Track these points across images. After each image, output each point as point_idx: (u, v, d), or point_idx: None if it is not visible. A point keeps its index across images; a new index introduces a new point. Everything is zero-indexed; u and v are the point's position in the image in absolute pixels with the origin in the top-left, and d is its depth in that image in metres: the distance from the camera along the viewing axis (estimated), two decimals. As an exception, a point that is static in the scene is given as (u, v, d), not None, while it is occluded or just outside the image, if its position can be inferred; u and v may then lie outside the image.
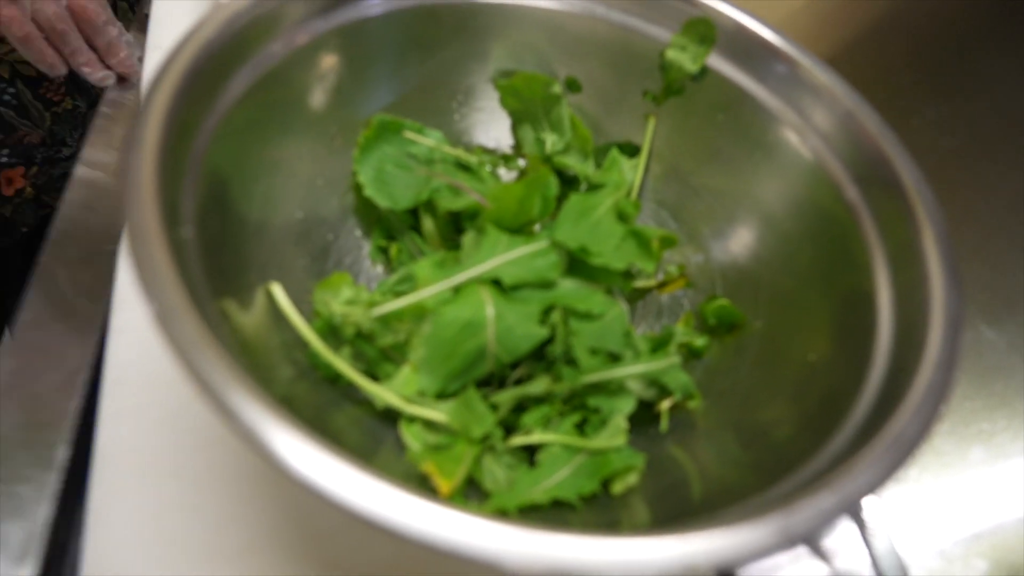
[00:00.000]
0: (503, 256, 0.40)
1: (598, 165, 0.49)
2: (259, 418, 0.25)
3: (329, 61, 0.41)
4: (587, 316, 0.40)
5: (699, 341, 0.44)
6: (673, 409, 0.43)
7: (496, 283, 0.40)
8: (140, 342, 0.45)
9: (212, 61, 0.33)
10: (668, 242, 0.44)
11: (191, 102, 0.32)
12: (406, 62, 0.45)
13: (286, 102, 0.40)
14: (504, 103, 0.48)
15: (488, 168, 0.46)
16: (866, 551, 0.28)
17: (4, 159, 0.75)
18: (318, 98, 0.42)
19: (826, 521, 0.25)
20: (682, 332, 0.43)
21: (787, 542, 0.25)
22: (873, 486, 0.26)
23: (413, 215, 0.46)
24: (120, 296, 0.47)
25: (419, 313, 0.39)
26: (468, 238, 0.42)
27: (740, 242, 0.45)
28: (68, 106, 0.74)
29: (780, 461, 0.33)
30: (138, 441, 0.41)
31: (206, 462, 0.41)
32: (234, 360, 0.26)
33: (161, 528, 0.39)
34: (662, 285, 0.48)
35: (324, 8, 0.39)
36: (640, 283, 0.48)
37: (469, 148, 0.49)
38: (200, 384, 0.25)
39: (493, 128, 0.50)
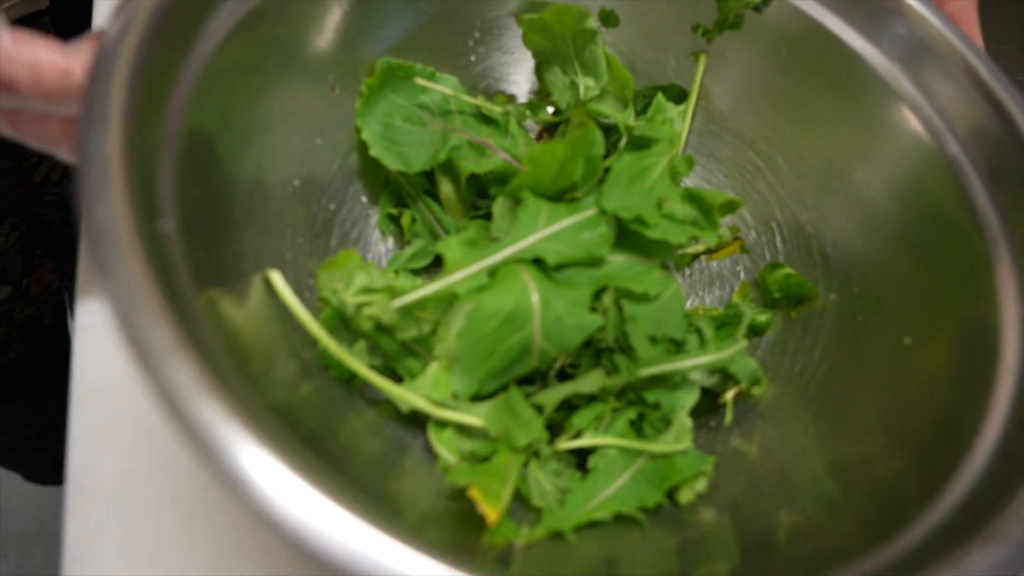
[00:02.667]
0: (545, 230, 0.33)
1: (639, 112, 0.42)
2: (235, 445, 0.19)
3: (325, -7, 0.34)
4: (643, 297, 0.34)
5: (762, 316, 0.39)
6: (736, 397, 0.37)
7: (537, 262, 0.33)
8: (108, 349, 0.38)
9: None
10: (730, 207, 0.38)
11: (163, 49, 0.25)
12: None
13: (277, 44, 0.32)
14: (528, 42, 0.41)
15: (515, 121, 0.39)
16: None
17: (37, 259, 0.68)
18: (314, 38, 0.34)
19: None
20: (750, 310, 0.37)
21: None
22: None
23: (428, 178, 0.40)
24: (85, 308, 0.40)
25: (449, 300, 0.32)
26: (499, 207, 0.36)
27: (809, 204, 0.39)
28: None
29: (886, 504, 0.28)
30: (115, 465, 0.35)
31: (196, 487, 0.35)
32: (212, 366, 0.20)
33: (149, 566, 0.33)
34: (713, 251, 0.42)
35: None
36: (692, 249, 0.42)
37: (489, 95, 0.42)
38: (159, 396, 0.19)
39: (515, 72, 0.43)
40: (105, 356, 0.38)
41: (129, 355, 0.20)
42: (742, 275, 0.42)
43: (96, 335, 0.38)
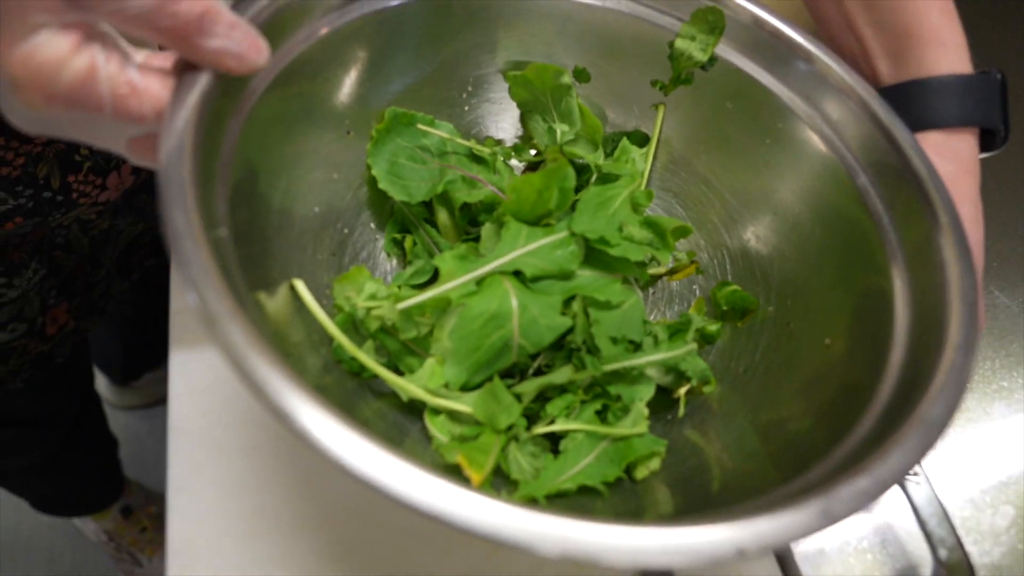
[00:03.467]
0: (524, 248, 0.40)
1: (608, 154, 0.49)
2: (312, 414, 0.25)
3: (344, 54, 0.41)
4: (606, 305, 0.41)
5: (712, 326, 0.45)
6: (689, 394, 0.44)
7: (517, 274, 0.40)
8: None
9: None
10: (682, 232, 0.45)
11: (218, 101, 0.32)
12: (418, 54, 0.45)
13: (306, 95, 0.39)
14: (513, 94, 0.48)
15: (501, 160, 0.47)
16: (908, 502, 0.28)
17: (52, 300, 0.73)
18: (334, 92, 0.42)
19: (865, 503, 0.26)
20: (699, 319, 0.44)
21: (828, 523, 0.25)
22: (907, 467, 0.27)
23: (427, 208, 0.47)
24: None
25: (443, 306, 0.39)
26: (486, 230, 0.43)
27: (749, 229, 0.46)
28: (104, 226, 0.70)
29: (800, 452, 0.34)
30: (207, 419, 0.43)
31: (271, 439, 0.43)
32: (275, 352, 0.26)
33: (233, 500, 0.40)
34: (673, 272, 0.49)
35: (340, 3, 0.39)
36: (652, 270, 0.48)
37: (479, 140, 0.49)
38: (243, 376, 0.25)
39: (502, 119, 0.50)
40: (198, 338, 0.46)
41: (202, 321, 0.26)
42: (697, 293, 0.48)
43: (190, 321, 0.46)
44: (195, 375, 0.47)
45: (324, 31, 0.39)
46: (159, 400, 1.46)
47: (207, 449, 0.43)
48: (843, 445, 0.31)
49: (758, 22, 0.43)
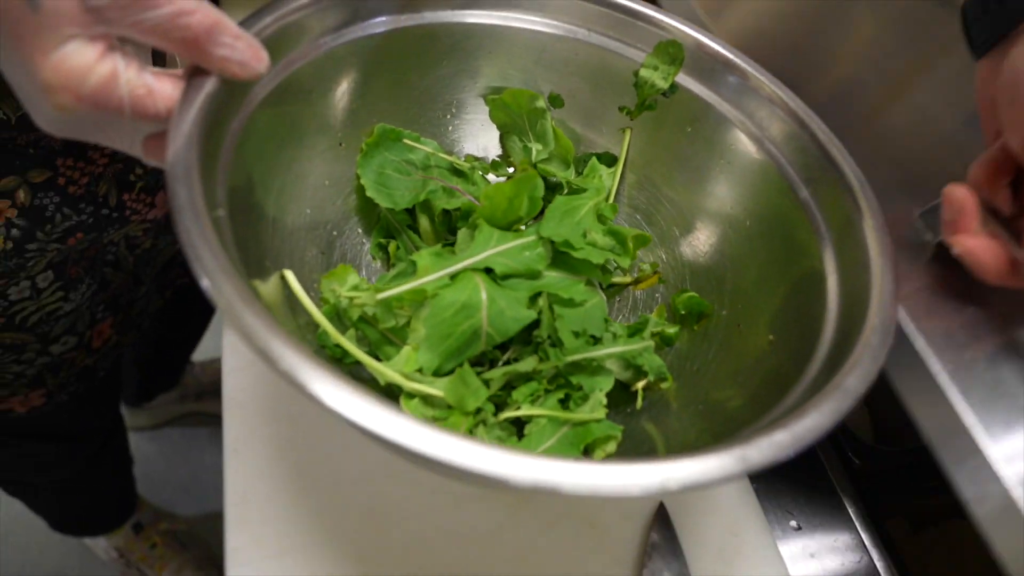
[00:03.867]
0: (495, 248, 0.44)
1: (579, 172, 0.53)
2: (303, 367, 0.29)
3: (338, 73, 0.46)
4: (570, 303, 0.45)
5: (671, 329, 0.49)
6: (648, 391, 0.47)
7: (488, 272, 0.44)
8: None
9: None
10: (642, 240, 0.49)
11: (222, 103, 0.36)
12: (406, 77, 0.50)
13: (299, 108, 0.44)
14: (493, 116, 0.53)
15: (479, 173, 0.51)
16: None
17: (100, 315, 0.77)
18: (328, 105, 0.46)
19: (780, 453, 0.30)
20: (655, 321, 0.47)
21: (746, 468, 0.29)
22: (822, 426, 0.31)
23: (411, 215, 0.51)
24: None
25: (419, 297, 0.43)
26: (462, 234, 0.47)
27: (706, 241, 0.50)
28: (148, 245, 0.74)
29: (736, 423, 0.38)
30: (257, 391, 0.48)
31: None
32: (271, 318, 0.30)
33: (280, 460, 0.44)
34: (637, 282, 0.53)
35: (336, 25, 0.44)
36: (617, 279, 0.52)
37: (461, 156, 0.54)
38: (246, 336, 0.29)
39: (482, 138, 0.54)
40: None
41: (206, 285, 0.30)
42: (659, 300, 0.52)
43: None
44: (245, 353, 0.51)
45: (320, 50, 0.43)
46: (168, 421, 1.49)
47: (258, 416, 0.47)
48: (773, 413, 0.34)
49: (700, 46, 0.48)
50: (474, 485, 0.48)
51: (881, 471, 0.58)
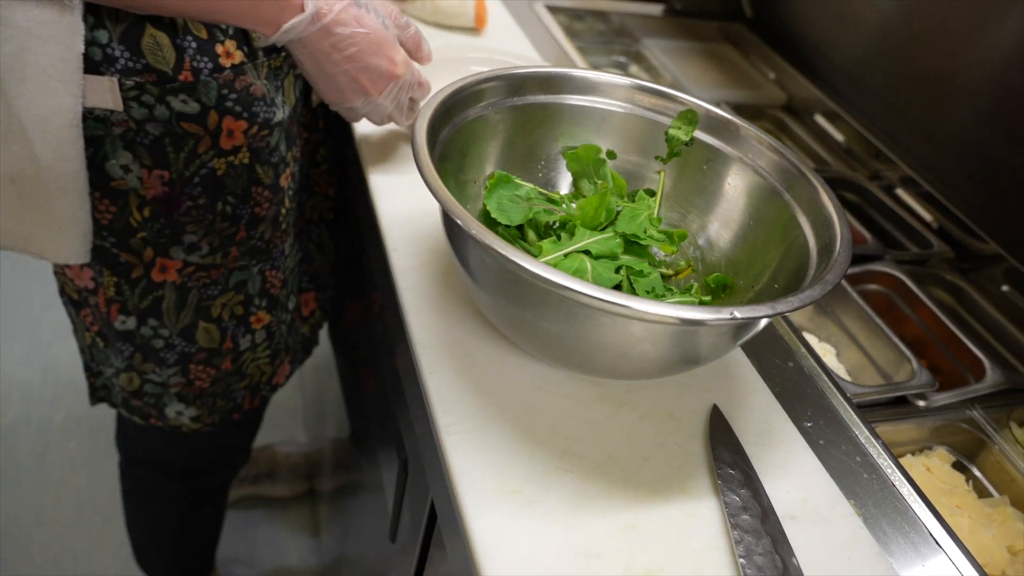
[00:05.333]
0: (589, 240, 0.67)
1: (631, 200, 0.77)
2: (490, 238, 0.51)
3: (481, 131, 0.70)
4: (640, 273, 0.67)
5: (707, 298, 0.71)
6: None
7: (587, 253, 0.66)
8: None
9: (440, 112, 0.62)
10: (681, 235, 0.72)
11: (431, 130, 0.60)
12: (514, 139, 0.74)
13: (459, 149, 0.68)
14: (569, 166, 0.77)
15: (566, 201, 0.74)
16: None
17: (305, 284, 0.99)
18: (472, 161, 0.70)
19: (793, 306, 0.51)
20: (696, 288, 0.70)
21: (775, 313, 0.51)
22: (813, 297, 0.53)
23: (520, 231, 0.74)
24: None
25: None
26: (563, 236, 0.69)
27: (723, 237, 0.73)
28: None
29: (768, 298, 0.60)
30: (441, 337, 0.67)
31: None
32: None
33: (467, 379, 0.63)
34: (676, 273, 0.76)
35: (481, 101, 0.69)
36: (663, 271, 0.75)
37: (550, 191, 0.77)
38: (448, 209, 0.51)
39: (562, 181, 0.78)
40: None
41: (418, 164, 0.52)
42: (694, 283, 0.74)
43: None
44: (426, 310, 0.71)
45: (470, 116, 0.68)
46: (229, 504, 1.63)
47: (444, 352, 0.65)
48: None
49: (709, 113, 0.73)
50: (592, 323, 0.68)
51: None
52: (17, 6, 0.61)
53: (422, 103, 0.71)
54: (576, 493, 0.56)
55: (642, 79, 0.78)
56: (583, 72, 0.76)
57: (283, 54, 0.77)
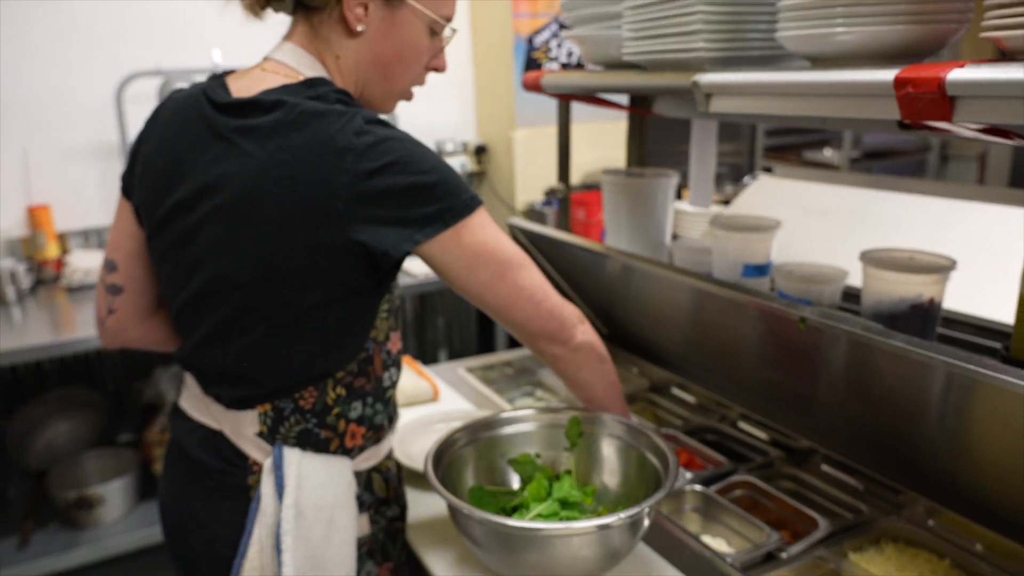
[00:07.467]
0: (539, 508, 1.13)
1: (558, 480, 1.24)
2: None
3: (459, 463, 1.18)
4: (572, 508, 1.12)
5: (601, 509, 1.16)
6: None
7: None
8: None
9: (435, 461, 1.10)
10: (592, 491, 1.19)
11: (443, 451, 1.07)
12: (478, 463, 1.22)
13: (450, 477, 1.15)
14: (515, 469, 1.25)
15: (519, 492, 1.21)
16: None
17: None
18: (457, 481, 1.18)
19: (642, 508, 0.98)
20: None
21: (644, 506, 0.97)
22: (660, 496, 0.99)
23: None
24: None
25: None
26: (522, 510, 1.15)
27: (611, 481, 1.21)
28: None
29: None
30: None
31: None
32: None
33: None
34: (599, 512, 1.21)
35: (454, 446, 1.18)
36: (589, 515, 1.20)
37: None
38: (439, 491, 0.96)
39: (514, 478, 1.25)
40: None
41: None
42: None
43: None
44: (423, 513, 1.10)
45: (450, 457, 1.16)
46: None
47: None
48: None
49: (587, 416, 1.25)
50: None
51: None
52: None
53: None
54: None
55: (547, 399, 1.30)
56: (512, 410, 1.28)
57: None
